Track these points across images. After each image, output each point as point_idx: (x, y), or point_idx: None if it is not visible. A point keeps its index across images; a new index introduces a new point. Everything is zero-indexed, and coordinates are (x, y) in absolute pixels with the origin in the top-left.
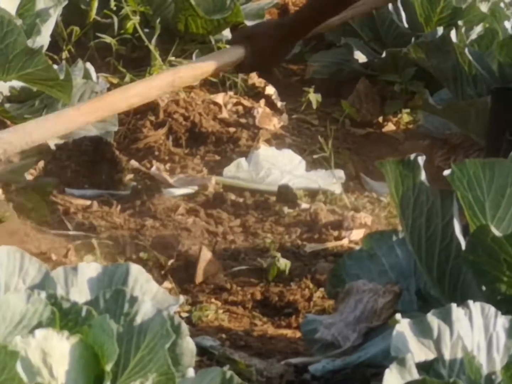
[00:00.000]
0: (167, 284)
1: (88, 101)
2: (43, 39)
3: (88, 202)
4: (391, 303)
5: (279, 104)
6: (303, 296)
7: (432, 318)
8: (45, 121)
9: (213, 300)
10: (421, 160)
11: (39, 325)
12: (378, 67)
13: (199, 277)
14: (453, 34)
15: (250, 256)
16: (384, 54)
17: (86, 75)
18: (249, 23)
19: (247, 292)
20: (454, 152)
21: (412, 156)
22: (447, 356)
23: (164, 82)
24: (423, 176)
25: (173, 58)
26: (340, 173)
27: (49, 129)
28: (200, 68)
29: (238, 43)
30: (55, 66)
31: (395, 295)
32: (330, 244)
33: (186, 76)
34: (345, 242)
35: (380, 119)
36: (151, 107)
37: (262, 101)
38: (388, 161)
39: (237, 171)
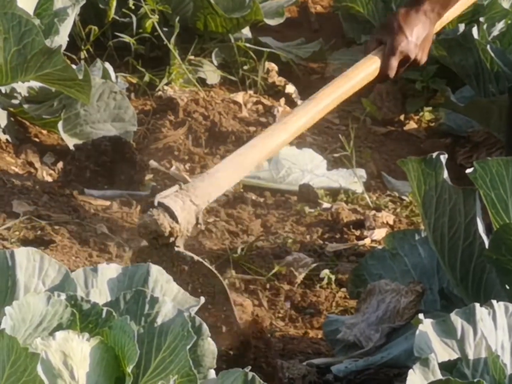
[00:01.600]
0: None
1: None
2: (61, 38)
3: (107, 203)
4: (414, 302)
5: (299, 102)
6: (325, 296)
7: (456, 318)
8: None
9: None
10: (443, 158)
11: (59, 327)
12: None
13: None
14: (474, 31)
15: (271, 256)
16: None
17: (105, 75)
18: (268, 21)
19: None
20: (477, 150)
21: (434, 155)
22: (470, 356)
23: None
24: (445, 174)
25: (192, 57)
26: (362, 172)
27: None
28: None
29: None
30: (74, 66)
31: (418, 295)
32: (352, 244)
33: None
34: (367, 241)
35: (402, 117)
36: (170, 107)
37: (282, 100)
38: (410, 160)
39: (258, 170)
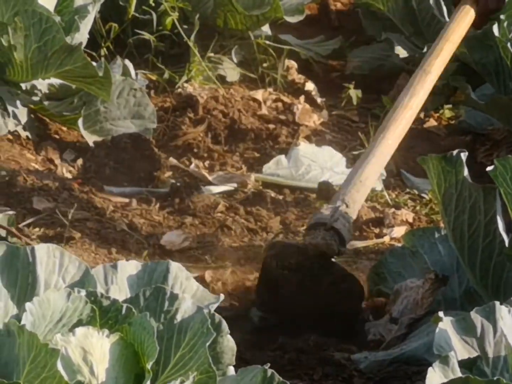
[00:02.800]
0: None
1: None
2: (81, 36)
3: (127, 200)
4: (430, 290)
5: (319, 100)
6: None
7: (475, 316)
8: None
9: None
10: (463, 156)
11: (79, 323)
12: (419, 62)
13: None
14: (495, 28)
15: None
16: (425, 49)
17: (125, 72)
18: (288, 18)
19: None
20: (497, 147)
21: (455, 152)
22: (490, 354)
23: None
24: (465, 172)
25: (212, 54)
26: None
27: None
28: None
29: None
30: (94, 63)
31: (432, 282)
32: (371, 242)
33: None
34: (386, 239)
35: (422, 114)
36: (190, 104)
37: (302, 98)
38: (430, 157)
39: (277, 168)
